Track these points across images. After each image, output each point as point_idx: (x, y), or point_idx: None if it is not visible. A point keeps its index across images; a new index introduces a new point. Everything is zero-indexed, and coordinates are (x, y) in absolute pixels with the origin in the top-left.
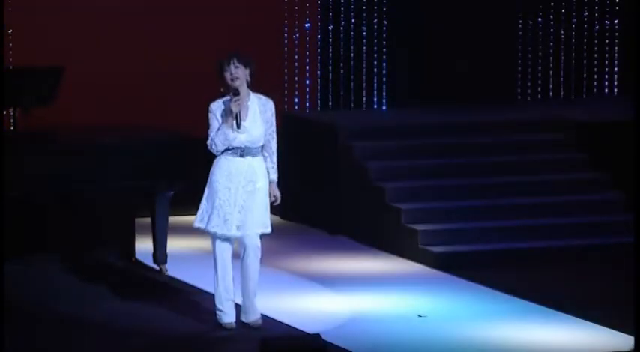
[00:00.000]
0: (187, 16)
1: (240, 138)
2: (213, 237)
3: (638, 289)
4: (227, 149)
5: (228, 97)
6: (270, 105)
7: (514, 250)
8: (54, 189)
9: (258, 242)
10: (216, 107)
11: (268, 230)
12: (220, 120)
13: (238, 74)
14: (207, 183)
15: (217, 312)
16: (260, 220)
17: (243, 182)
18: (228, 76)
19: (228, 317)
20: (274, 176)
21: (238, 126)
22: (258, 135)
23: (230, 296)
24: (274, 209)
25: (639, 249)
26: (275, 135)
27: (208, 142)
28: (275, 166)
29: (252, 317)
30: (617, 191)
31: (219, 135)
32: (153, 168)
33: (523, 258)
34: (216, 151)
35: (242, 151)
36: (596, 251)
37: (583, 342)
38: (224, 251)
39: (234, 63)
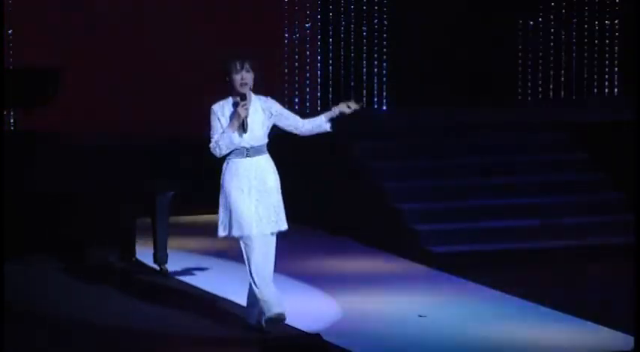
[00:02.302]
0: (188, 17)
1: (244, 139)
2: (240, 240)
3: (638, 289)
4: (232, 151)
5: (229, 99)
6: (271, 101)
7: (514, 250)
8: (54, 189)
9: (273, 242)
10: (218, 108)
11: (284, 227)
12: (223, 123)
13: (249, 79)
14: (220, 190)
15: (263, 305)
16: (275, 219)
17: (254, 182)
18: (239, 79)
19: (278, 307)
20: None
21: (245, 130)
22: (262, 133)
23: (272, 287)
24: None
25: (639, 248)
26: (296, 116)
27: (211, 145)
28: (319, 117)
29: (277, 309)
30: (617, 191)
31: (223, 138)
32: (153, 169)
33: (523, 258)
34: (219, 154)
35: (248, 151)
36: (596, 251)
37: (583, 342)
38: (255, 248)
39: (246, 68)
